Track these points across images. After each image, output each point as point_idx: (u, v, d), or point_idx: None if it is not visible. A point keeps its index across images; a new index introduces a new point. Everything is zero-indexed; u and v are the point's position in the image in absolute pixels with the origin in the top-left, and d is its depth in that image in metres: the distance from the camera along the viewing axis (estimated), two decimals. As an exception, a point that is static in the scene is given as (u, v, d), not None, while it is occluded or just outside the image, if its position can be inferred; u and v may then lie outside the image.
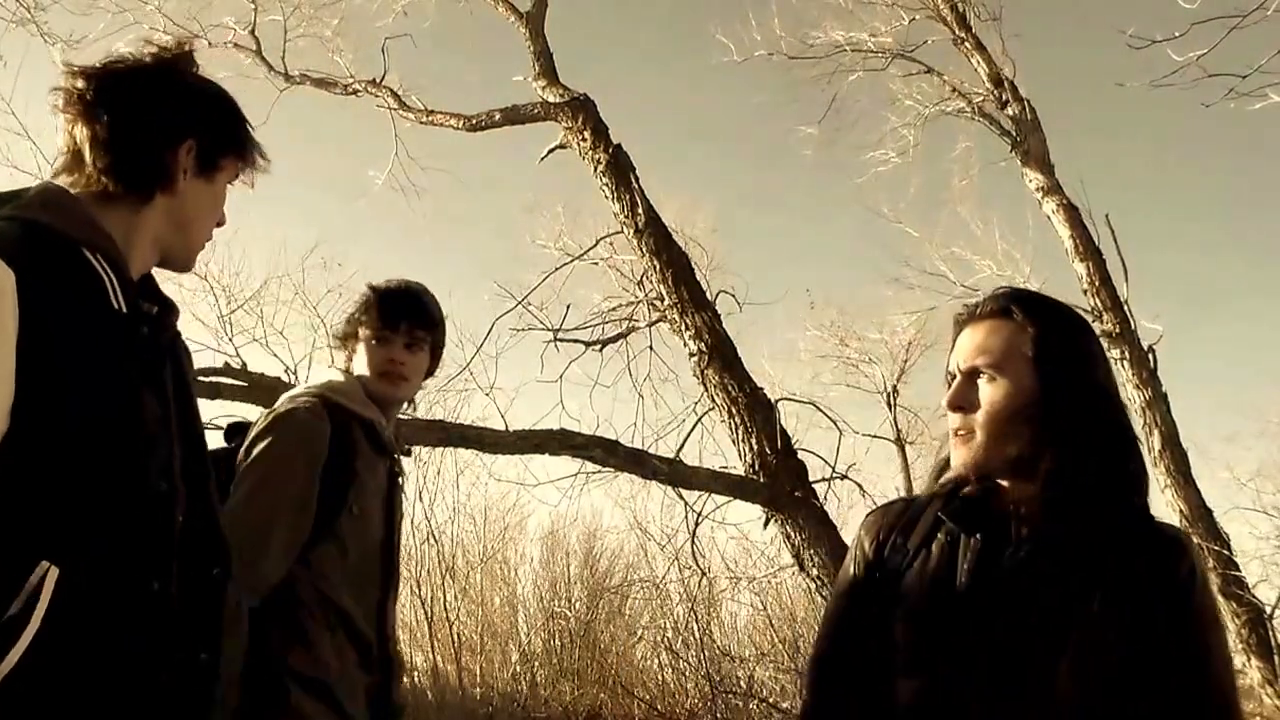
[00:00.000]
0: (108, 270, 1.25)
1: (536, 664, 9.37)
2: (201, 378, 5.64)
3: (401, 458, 2.15)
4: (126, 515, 1.20)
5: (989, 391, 1.40)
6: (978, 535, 1.37)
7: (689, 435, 6.45)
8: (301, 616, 1.87)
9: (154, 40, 1.41)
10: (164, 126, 1.34)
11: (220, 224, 1.47)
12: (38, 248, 1.19)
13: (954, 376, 1.44)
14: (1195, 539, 6.53)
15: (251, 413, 6.03)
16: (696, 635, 7.64)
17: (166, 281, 1.50)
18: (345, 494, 1.94)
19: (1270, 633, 6.19)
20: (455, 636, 9.10)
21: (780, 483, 5.68)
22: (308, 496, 1.89)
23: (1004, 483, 1.41)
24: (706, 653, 7.56)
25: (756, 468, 5.77)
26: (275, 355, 6.53)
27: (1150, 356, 7.03)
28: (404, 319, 2.09)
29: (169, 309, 1.39)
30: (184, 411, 1.37)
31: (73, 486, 1.16)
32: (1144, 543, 1.34)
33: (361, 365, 2.09)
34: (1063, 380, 1.37)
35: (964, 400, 1.42)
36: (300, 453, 1.92)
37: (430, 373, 2.20)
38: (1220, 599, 6.37)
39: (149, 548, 1.23)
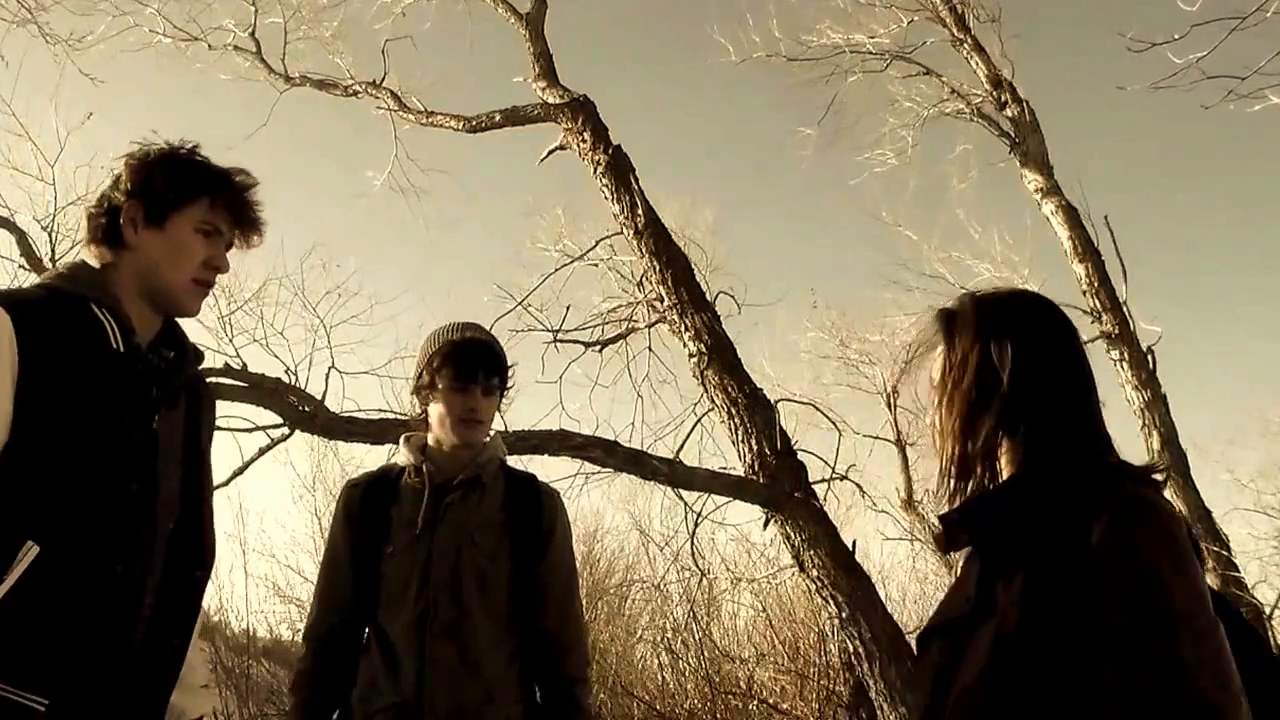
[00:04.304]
0: (109, 319, 1.58)
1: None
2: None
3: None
4: (100, 509, 1.50)
5: None
6: None
7: (688, 436, 6.46)
8: None
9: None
10: (112, 197, 1.67)
11: (219, 269, 1.71)
12: (52, 305, 1.56)
13: None
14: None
15: (252, 413, 6.05)
16: (696, 636, 7.64)
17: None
18: None
19: (1270, 633, 6.19)
20: (455, 637, 9.09)
21: (780, 483, 5.68)
22: None
23: None
24: (706, 653, 7.55)
25: (756, 468, 5.78)
26: (275, 356, 6.51)
27: (1149, 358, 7.04)
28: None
29: (187, 355, 1.72)
30: (191, 440, 1.70)
31: (57, 483, 1.47)
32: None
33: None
34: None
35: None
36: None
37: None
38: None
39: (118, 537, 1.51)
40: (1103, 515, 1.23)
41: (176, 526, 1.61)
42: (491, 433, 2.31)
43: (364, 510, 2.23)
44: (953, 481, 1.41)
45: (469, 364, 2.20)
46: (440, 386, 2.20)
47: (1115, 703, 1.16)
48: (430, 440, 2.26)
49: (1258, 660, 1.24)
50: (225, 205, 1.71)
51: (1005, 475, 1.39)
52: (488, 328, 2.39)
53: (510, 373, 2.29)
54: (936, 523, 1.41)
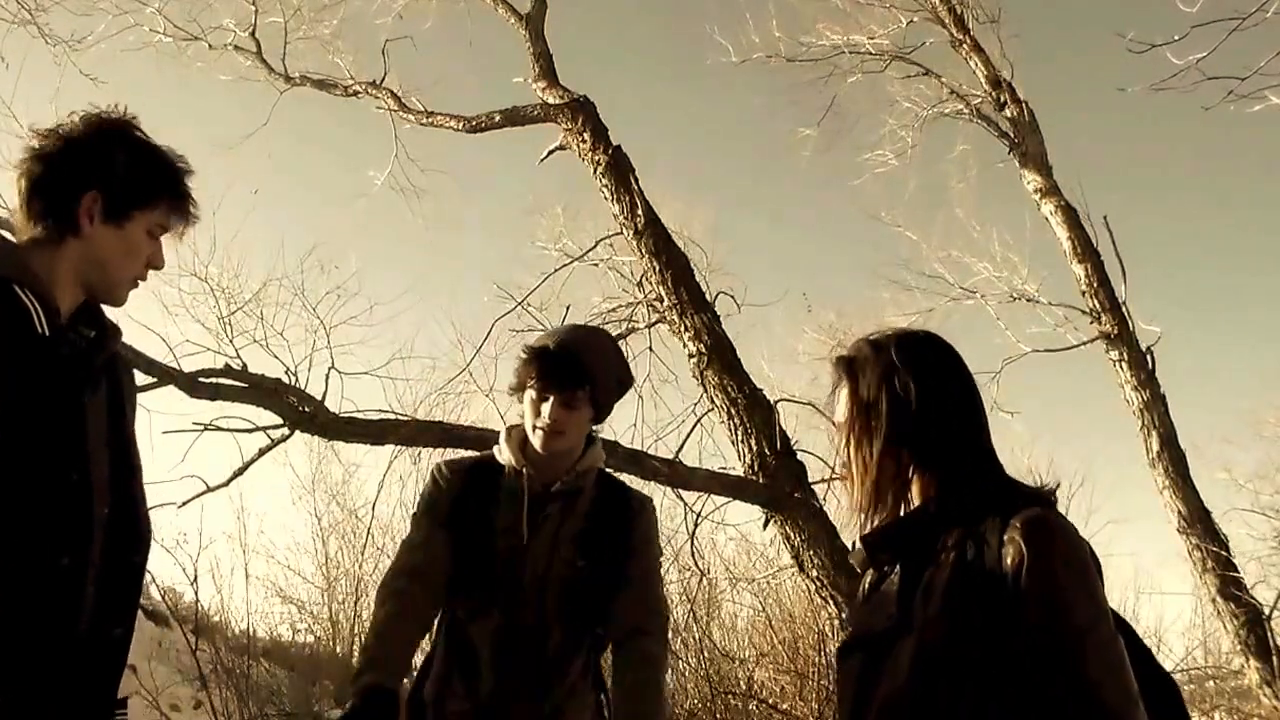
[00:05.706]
0: (34, 301, 1.50)
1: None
2: (202, 379, 5.65)
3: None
4: (44, 502, 1.44)
5: None
6: None
7: (688, 436, 6.46)
8: None
9: (99, 107, 1.63)
10: (69, 180, 1.56)
11: (155, 267, 1.67)
12: None
13: None
14: (1193, 540, 6.55)
15: (252, 413, 6.06)
16: (696, 636, 7.63)
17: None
18: None
19: (1269, 633, 6.20)
20: (455, 637, 9.10)
21: (780, 483, 5.69)
22: None
23: None
24: (706, 654, 7.55)
25: (756, 468, 5.78)
26: (276, 357, 6.49)
27: (1149, 358, 7.04)
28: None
29: (108, 334, 1.64)
30: (115, 420, 1.62)
31: None
32: None
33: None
34: None
35: None
36: None
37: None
38: (1219, 600, 6.38)
39: (62, 528, 1.47)
40: (1013, 537, 1.32)
41: (111, 511, 1.56)
42: (595, 439, 2.30)
43: (465, 501, 2.21)
44: (868, 514, 1.50)
45: (548, 374, 2.16)
46: (527, 392, 2.19)
47: (1031, 715, 1.26)
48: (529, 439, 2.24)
49: (1149, 670, 1.36)
50: (178, 207, 1.67)
51: (916, 503, 1.48)
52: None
53: (609, 382, 2.23)
54: (859, 543, 1.51)
